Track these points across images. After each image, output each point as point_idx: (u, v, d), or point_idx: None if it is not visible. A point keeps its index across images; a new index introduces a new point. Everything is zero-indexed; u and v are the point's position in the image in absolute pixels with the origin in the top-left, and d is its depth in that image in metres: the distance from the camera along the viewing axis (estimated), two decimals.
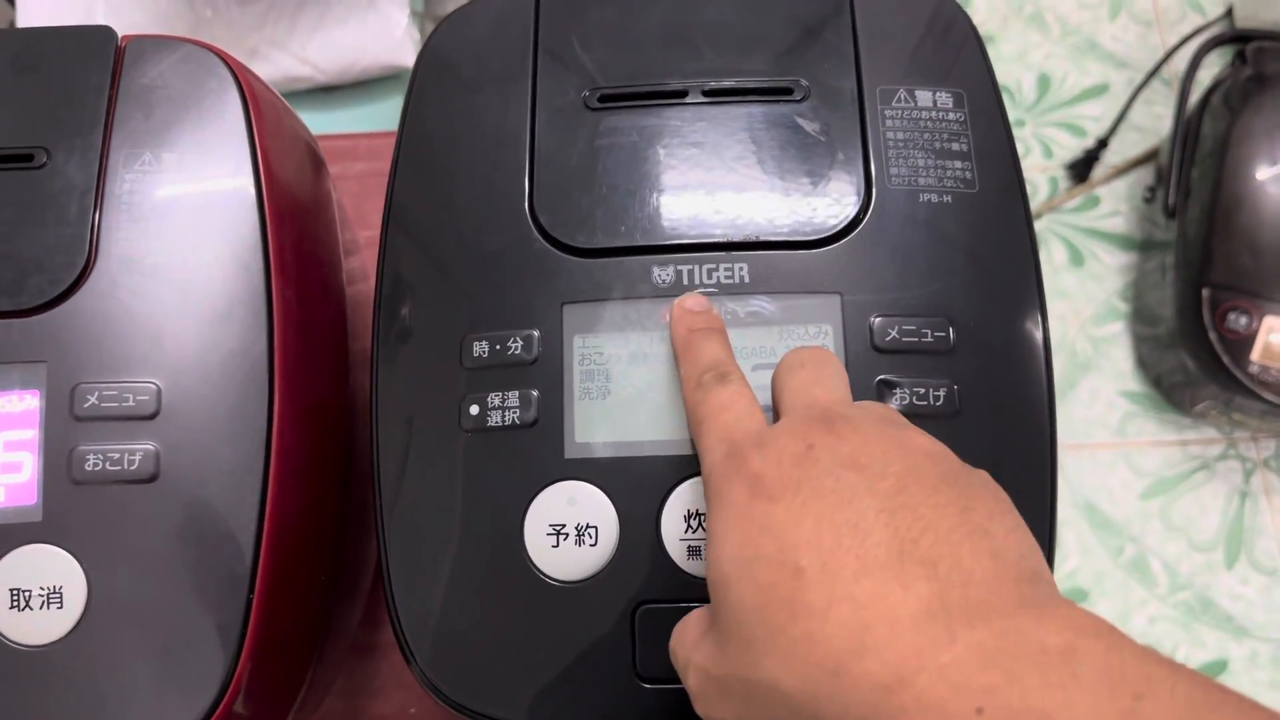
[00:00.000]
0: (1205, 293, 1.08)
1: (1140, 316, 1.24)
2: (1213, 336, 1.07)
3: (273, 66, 0.96)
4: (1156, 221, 1.26)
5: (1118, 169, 1.31)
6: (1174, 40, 1.34)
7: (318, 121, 0.54)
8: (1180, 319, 1.11)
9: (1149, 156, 1.31)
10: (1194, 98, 1.20)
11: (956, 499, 0.29)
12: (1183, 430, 1.21)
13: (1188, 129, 1.18)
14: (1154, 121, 1.33)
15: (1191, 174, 1.16)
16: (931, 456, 0.30)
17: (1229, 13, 1.35)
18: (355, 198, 0.65)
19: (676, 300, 0.39)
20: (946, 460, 0.31)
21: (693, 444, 0.38)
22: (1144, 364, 1.23)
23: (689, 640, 0.33)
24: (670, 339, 0.39)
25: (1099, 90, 1.35)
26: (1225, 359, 1.06)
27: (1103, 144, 1.30)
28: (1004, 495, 0.30)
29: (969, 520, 0.28)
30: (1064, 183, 1.31)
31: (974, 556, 0.27)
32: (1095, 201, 1.30)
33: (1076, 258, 1.27)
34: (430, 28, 1.07)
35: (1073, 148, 1.32)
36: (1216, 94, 1.17)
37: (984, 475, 0.31)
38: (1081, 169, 1.30)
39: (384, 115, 1.00)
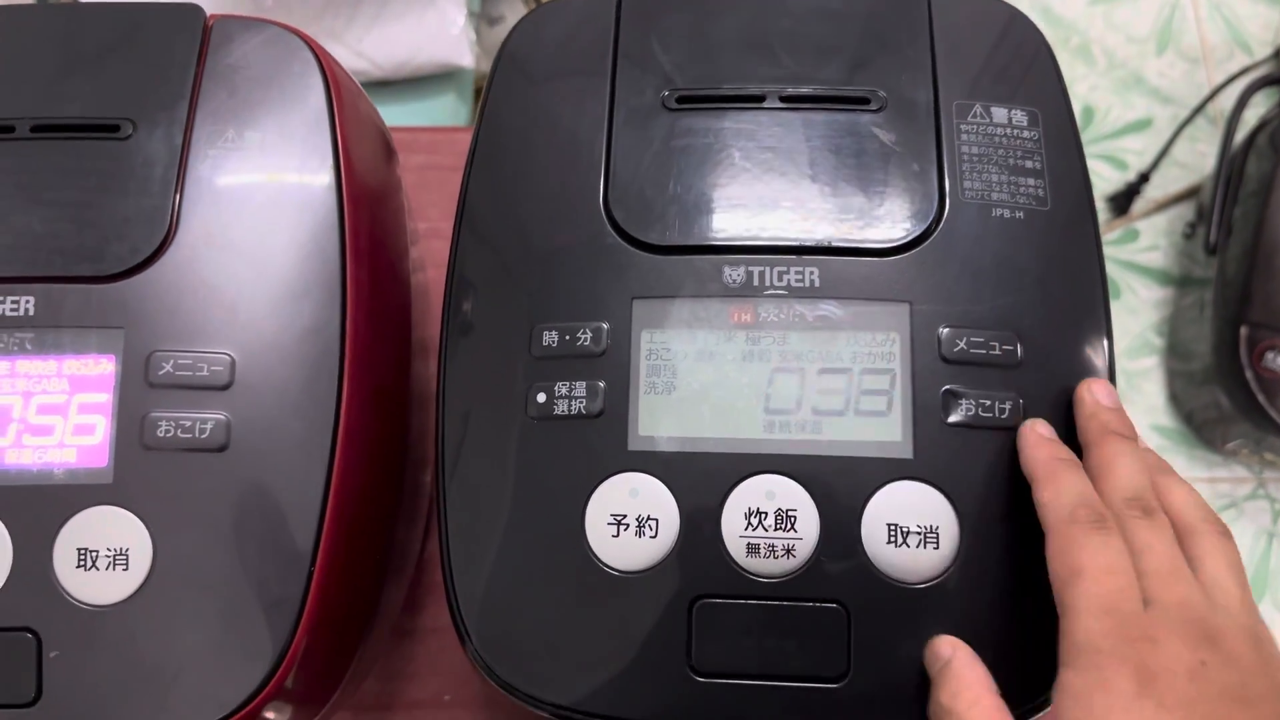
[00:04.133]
0: (1243, 331, 1.08)
1: (1175, 352, 1.23)
2: (1249, 375, 1.07)
3: None
4: (1195, 258, 1.26)
5: (1158, 204, 1.31)
6: (1220, 78, 1.34)
7: None
8: (1216, 356, 1.11)
9: (1190, 193, 1.31)
10: (1239, 136, 1.21)
11: None
12: (1212, 468, 1.20)
13: (1231, 167, 1.18)
14: (1197, 158, 1.33)
15: (1234, 212, 1.16)
16: None
17: (1277, 53, 1.35)
18: (414, 190, 0.65)
19: (1028, 424, 0.39)
20: None
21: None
22: (1176, 399, 1.22)
23: None
24: (1024, 460, 0.38)
25: (1143, 124, 1.35)
26: (1260, 398, 1.06)
27: (1144, 178, 1.30)
28: None
29: None
30: (1104, 215, 1.31)
31: None
32: (1135, 235, 1.30)
33: (1114, 290, 1.27)
34: (485, 29, 1.08)
35: (1114, 180, 1.32)
36: (1262, 134, 1.17)
37: None
38: (1122, 202, 1.30)
39: (436, 112, 1.01)
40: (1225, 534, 0.37)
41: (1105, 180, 1.32)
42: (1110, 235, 1.30)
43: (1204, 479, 1.20)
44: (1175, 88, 1.37)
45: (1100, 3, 1.40)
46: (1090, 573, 0.34)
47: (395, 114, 1.00)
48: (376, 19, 0.98)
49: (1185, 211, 1.31)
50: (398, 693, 0.57)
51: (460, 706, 0.57)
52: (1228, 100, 1.28)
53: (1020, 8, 0.46)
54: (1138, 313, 1.27)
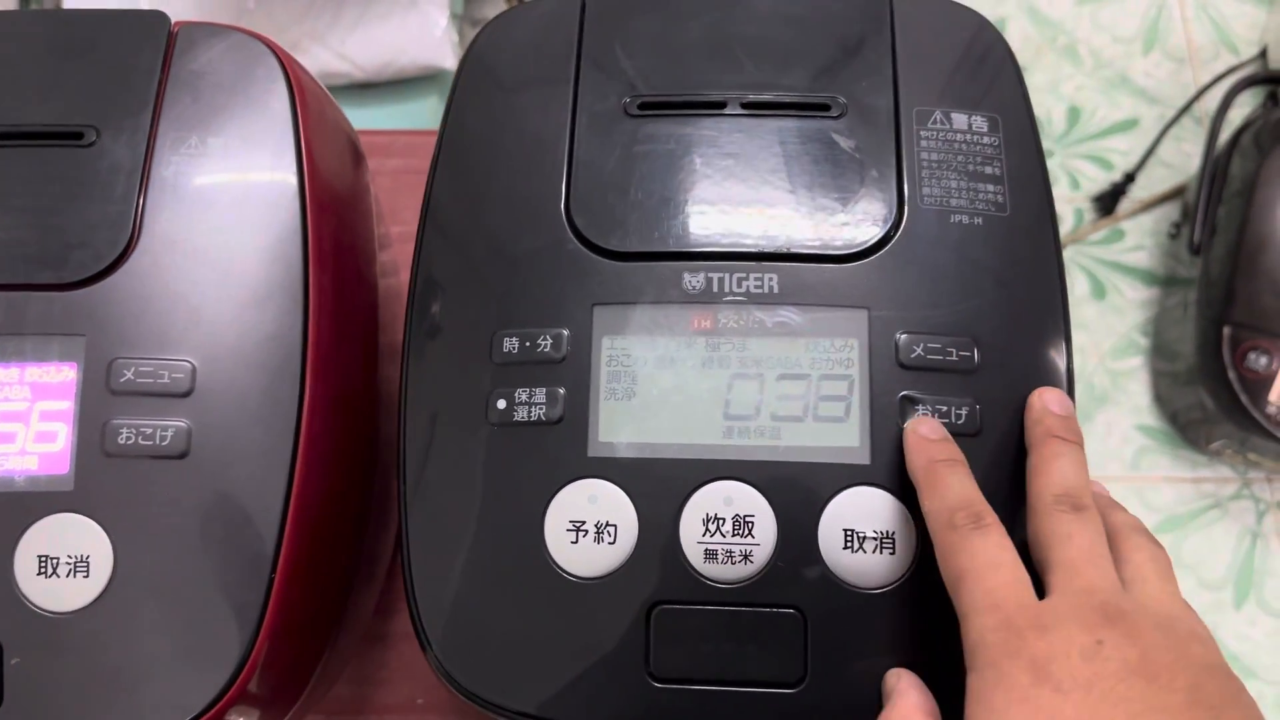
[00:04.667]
0: (1226, 331, 1.08)
1: (1160, 352, 1.24)
2: (1232, 375, 1.07)
3: (311, 60, 0.97)
4: (1180, 258, 1.26)
5: (1144, 204, 1.31)
6: (1206, 79, 1.34)
7: (353, 118, 0.56)
8: (1200, 356, 1.11)
9: (1176, 193, 1.31)
10: (1224, 137, 1.21)
11: None
12: (1197, 468, 1.21)
13: (1216, 167, 1.18)
14: (1182, 159, 1.33)
15: (1218, 212, 1.16)
16: (1210, 670, 0.31)
17: (1263, 54, 1.35)
18: (389, 193, 0.65)
19: (909, 424, 0.38)
20: (1221, 673, 0.32)
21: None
22: (1161, 399, 1.23)
23: None
24: (908, 466, 0.38)
25: (1129, 125, 1.35)
26: (1243, 398, 1.06)
27: (1130, 178, 1.30)
28: (1261, 714, 0.32)
29: None
30: (1089, 215, 1.31)
31: None
32: (1120, 235, 1.31)
33: (1098, 290, 1.28)
34: (469, 31, 1.08)
35: (1100, 180, 1.32)
36: (1247, 134, 1.17)
37: (1243, 686, 0.32)
38: (1108, 202, 1.30)
39: (418, 114, 1.01)
40: (1159, 544, 0.36)
41: (1091, 180, 1.33)
42: (1096, 235, 1.30)
43: (1188, 479, 1.20)
44: (1161, 88, 1.37)
45: (1087, 2, 1.41)
46: (971, 573, 0.34)
47: (378, 116, 1.00)
48: (359, 21, 0.98)
49: (1171, 211, 1.31)
50: (370, 697, 0.57)
51: (432, 711, 0.57)
52: (1213, 100, 1.28)
53: (1007, 8, 0.46)
54: (1123, 313, 1.27)
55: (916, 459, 0.37)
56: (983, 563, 0.34)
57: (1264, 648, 1.13)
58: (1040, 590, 0.34)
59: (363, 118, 1.00)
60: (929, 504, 0.36)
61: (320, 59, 0.98)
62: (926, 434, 0.38)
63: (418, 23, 0.99)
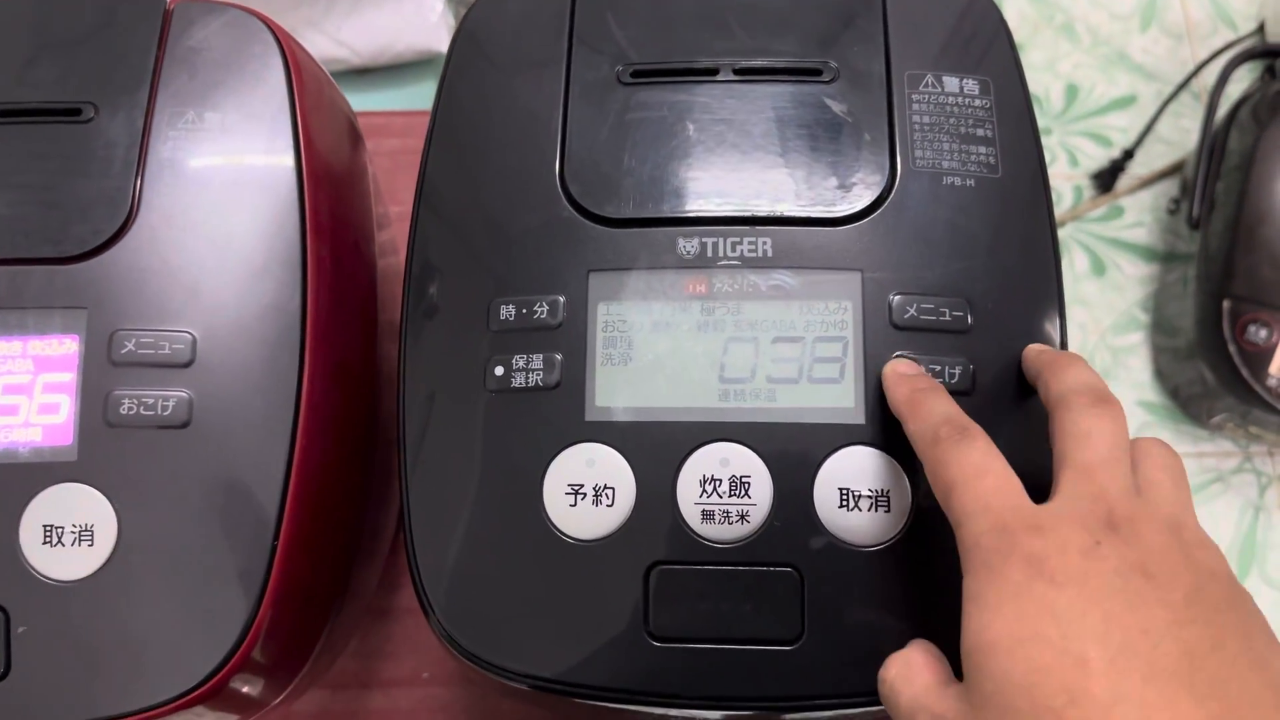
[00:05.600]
0: (1226, 304, 1.08)
1: (1160, 327, 1.24)
2: (1232, 349, 1.07)
3: (308, 46, 0.97)
4: (1180, 233, 1.26)
5: (1143, 180, 1.31)
6: (1204, 54, 1.34)
7: (350, 103, 0.56)
8: (1200, 330, 1.11)
9: (1174, 169, 1.31)
10: (1222, 111, 1.21)
11: (1239, 625, 0.30)
12: (1199, 442, 1.21)
13: (1214, 142, 1.18)
14: (1181, 134, 1.33)
15: (1216, 187, 1.16)
16: (1214, 575, 0.31)
17: (1261, 28, 1.35)
18: (387, 173, 0.66)
19: (888, 366, 0.39)
20: (1226, 580, 0.31)
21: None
22: (1162, 375, 1.23)
23: (920, 684, 0.33)
24: (890, 405, 0.38)
25: (1127, 101, 1.35)
26: (1244, 371, 1.06)
27: (1129, 155, 1.30)
28: (1269, 624, 0.31)
29: (1252, 648, 0.29)
30: (1089, 192, 1.31)
31: (1261, 685, 0.28)
32: (1119, 212, 1.31)
33: (1098, 267, 1.28)
34: (464, 14, 1.08)
35: (1098, 157, 1.32)
36: (1244, 108, 1.17)
37: (1249, 596, 0.32)
38: (1107, 179, 1.30)
39: (416, 99, 1.01)
40: (1175, 454, 0.35)
41: (1089, 157, 1.32)
42: (1095, 212, 1.30)
43: (1190, 454, 1.20)
44: (1159, 64, 1.37)
45: None
46: (960, 481, 0.33)
47: (375, 101, 1.01)
48: (355, 6, 0.98)
49: (1170, 188, 1.31)
50: (375, 671, 0.58)
51: (438, 684, 0.58)
52: (1211, 75, 1.27)
53: None
54: (1123, 289, 1.27)
55: (897, 392, 0.38)
56: (970, 470, 0.33)
57: (1268, 620, 1.13)
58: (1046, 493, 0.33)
59: (359, 103, 1.00)
60: (913, 427, 0.36)
61: (317, 45, 0.98)
62: (904, 370, 0.38)
63: (413, 8, 0.99)
